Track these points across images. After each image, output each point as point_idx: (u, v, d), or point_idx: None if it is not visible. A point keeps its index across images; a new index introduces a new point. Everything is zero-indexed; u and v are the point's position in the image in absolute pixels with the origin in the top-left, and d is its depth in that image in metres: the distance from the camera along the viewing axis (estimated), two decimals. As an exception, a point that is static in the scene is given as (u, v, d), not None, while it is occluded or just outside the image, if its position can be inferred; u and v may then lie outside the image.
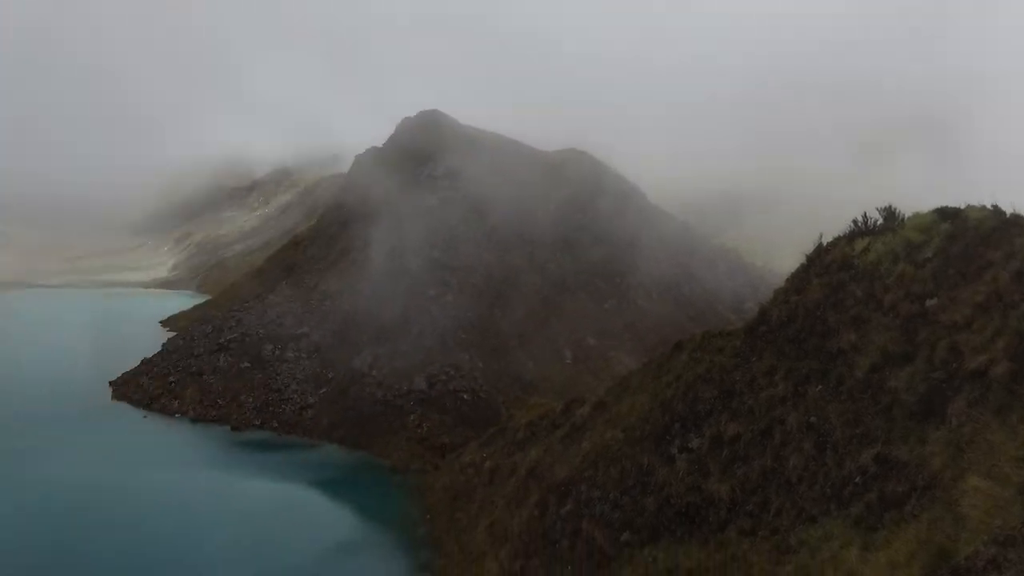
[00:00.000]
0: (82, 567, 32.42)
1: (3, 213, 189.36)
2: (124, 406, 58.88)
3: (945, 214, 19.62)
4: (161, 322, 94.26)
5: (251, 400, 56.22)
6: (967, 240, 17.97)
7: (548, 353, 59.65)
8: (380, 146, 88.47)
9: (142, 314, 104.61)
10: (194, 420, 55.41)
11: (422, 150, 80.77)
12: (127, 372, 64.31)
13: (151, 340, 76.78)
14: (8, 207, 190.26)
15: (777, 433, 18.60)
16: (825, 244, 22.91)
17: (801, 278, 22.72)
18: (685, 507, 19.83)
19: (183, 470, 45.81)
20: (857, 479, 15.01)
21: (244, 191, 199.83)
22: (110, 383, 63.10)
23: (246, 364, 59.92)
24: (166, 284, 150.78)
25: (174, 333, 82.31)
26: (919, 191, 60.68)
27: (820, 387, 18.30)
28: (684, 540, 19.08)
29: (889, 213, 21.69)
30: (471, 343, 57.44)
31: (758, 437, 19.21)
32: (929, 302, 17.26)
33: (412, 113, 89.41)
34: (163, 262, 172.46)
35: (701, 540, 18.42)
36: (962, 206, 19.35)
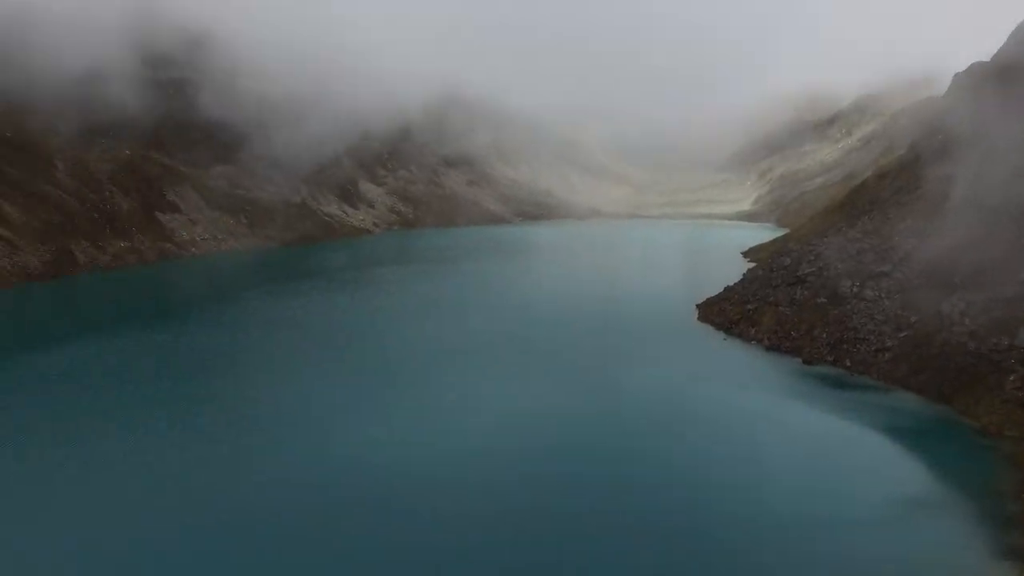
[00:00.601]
0: (658, 458, 38.06)
1: (621, 156, 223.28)
2: (707, 328, 65.30)
3: None
4: (742, 253, 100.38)
5: (824, 335, 56.25)
6: None
7: None
8: (986, 60, 75.77)
9: (726, 244, 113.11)
10: (767, 348, 58.25)
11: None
12: (711, 297, 70.87)
13: (733, 269, 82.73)
14: (625, 151, 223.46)
15: None
16: None
17: None
18: None
19: (756, 394, 49.05)
20: None
21: (825, 124, 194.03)
22: (696, 305, 70.58)
23: (822, 299, 59.91)
24: (748, 216, 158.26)
25: (753, 264, 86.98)
26: None
27: None
28: None
29: None
30: (1103, 296, 46.58)
31: None
32: None
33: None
34: (746, 196, 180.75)
35: None
36: None
